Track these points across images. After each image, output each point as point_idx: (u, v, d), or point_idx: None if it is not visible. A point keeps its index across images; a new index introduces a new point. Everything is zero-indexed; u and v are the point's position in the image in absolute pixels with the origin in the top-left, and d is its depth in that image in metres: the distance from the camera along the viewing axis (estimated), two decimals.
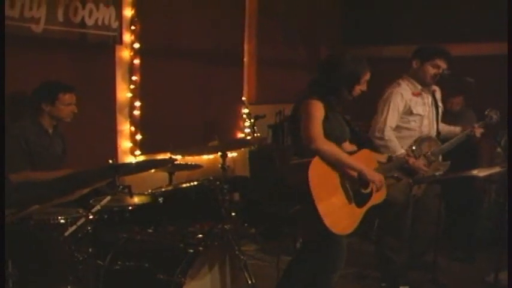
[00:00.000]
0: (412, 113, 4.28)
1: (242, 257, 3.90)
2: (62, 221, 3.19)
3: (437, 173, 4.16)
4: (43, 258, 3.17)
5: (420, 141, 4.26)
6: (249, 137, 6.07)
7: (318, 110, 3.41)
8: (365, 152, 3.65)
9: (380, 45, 6.88)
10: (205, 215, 4.22)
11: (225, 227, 4.17)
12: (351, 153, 3.59)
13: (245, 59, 6.38)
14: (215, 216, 4.16)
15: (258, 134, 5.78)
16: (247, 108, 6.14)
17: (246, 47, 6.37)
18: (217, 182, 4.21)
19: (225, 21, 5.97)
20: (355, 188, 3.49)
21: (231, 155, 5.61)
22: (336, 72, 3.49)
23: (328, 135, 3.42)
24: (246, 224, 5.33)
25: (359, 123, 6.26)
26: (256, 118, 5.98)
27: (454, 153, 4.42)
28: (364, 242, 5.29)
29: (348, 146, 3.67)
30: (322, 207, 3.25)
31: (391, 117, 4.22)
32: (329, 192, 3.35)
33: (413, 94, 4.30)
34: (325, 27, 7.35)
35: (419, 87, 4.33)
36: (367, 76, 3.55)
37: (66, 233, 3.13)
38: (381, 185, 3.55)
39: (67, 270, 3.19)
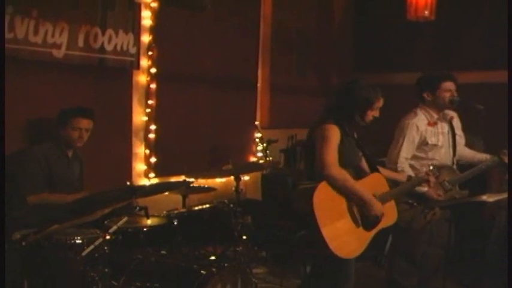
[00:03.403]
0: (427, 143, 4.31)
1: (254, 280, 3.95)
2: (79, 241, 3.26)
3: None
4: (59, 278, 3.23)
5: (438, 169, 4.30)
6: (261, 161, 6.14)
7: (334, 135, 3.49)
8: (375, 176, 3.74)
9: (391, 72, 6.93)
10: (219, 237, 4.29)
11: (237, 249, 4.23)
12: (361, 176, 3.68)
13: (258, 85, 6.47)
14: (228, 239, 4.22)
15: (271, 158, 5.86)
16: (260, 132, 6.24)
17: (259, 73, 6.46)
18: (231, 205, 4.28)
19: (239, 48, 6.08)
20: (363, 212, 3.55)
21: (243, 178, 5.68)
22: (350, 98, 3.60)
23: (342, 159, 3.50)
24: (256, 247, 5.37)
25: (371, 149, 6.35)
26: (268, 142, 6.08)
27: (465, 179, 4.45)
28: (374, 267, 5.31)
29: (364, 165, 3.78)
30: (326, 232, 3.31)
31: (406, 148, 4.25)
32: (335, 216, 3.41)
33: (429, 124, 4.31)
34: (336, 54, 7.44)
35: (436, 116, 4.35)
36: (380, 103, 3.65)
37: (84, 253, 3.20)
38: (380, 216, 3.60)
39: None
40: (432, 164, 4.15)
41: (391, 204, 3.76)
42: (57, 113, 4.16)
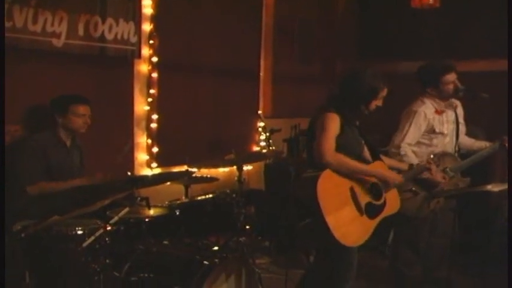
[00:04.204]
0: (434, 131, 4.30)
1: (257, 270, 3.93)
2: (80, 232, 3.25)
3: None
4: (61, 269, 3.22)
5: (440, 156, 4.27)
6: (264, 151, 6.11)
7: (334, 123, 3.46)
8: (378, 165, 3.71)
9: (395, 61, 6.88)
10: (221, 228, 4.28)
11: (240, 239, 4.21)
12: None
13: (261, 74, 6.44)
14: (231, 229, 4.20)
15: (274, 148, 5.82)
16: (262, 122, 6.19)
17: (262, 62, 6.43)
18: (234, 195, 4.26)
19: (242, 37, 6.04)
20: (367, 200, 3.53)
21: (246, 168, 5.64)
22: (355, 87, 3.57)
23: (344, 148, 3.47)
24: (259, 237, 5.35)
25: (375, 137, 6.32)
26: (271, 132, 6.03)
27: (467, 168, 4.43)
28: (376, 256, 5.29)
29: (366, 154, 3.75)
30: (331, 220, 3.29)
31: (411, 135, 4.24)
32: (339, 205, 3.39)
33: (437, 112, 4.30)
34: (340, 42, 7.39)
35: (443, 104, 4.34)
36: (385, 92, 3.62)
37: (85, 244, 3.18)
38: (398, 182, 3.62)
39: (84, 281, 3.24)
40: (433, 153, 4.13)
41: (394, 192, 3.74)
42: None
